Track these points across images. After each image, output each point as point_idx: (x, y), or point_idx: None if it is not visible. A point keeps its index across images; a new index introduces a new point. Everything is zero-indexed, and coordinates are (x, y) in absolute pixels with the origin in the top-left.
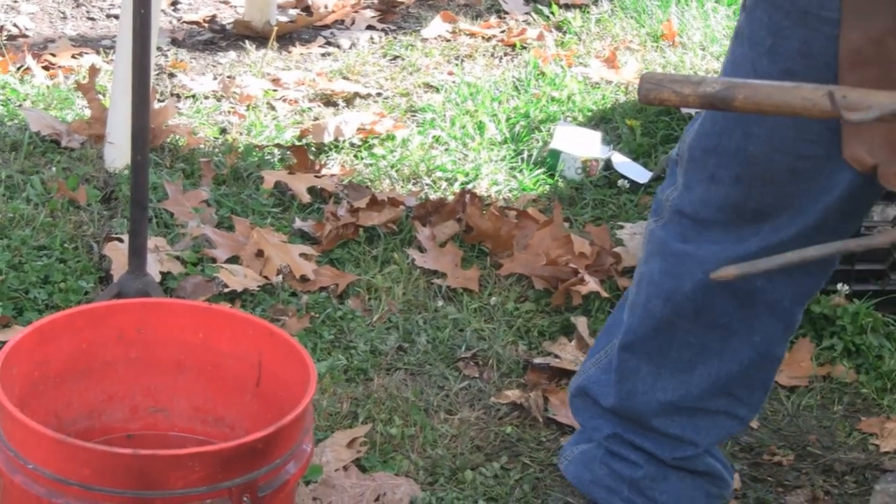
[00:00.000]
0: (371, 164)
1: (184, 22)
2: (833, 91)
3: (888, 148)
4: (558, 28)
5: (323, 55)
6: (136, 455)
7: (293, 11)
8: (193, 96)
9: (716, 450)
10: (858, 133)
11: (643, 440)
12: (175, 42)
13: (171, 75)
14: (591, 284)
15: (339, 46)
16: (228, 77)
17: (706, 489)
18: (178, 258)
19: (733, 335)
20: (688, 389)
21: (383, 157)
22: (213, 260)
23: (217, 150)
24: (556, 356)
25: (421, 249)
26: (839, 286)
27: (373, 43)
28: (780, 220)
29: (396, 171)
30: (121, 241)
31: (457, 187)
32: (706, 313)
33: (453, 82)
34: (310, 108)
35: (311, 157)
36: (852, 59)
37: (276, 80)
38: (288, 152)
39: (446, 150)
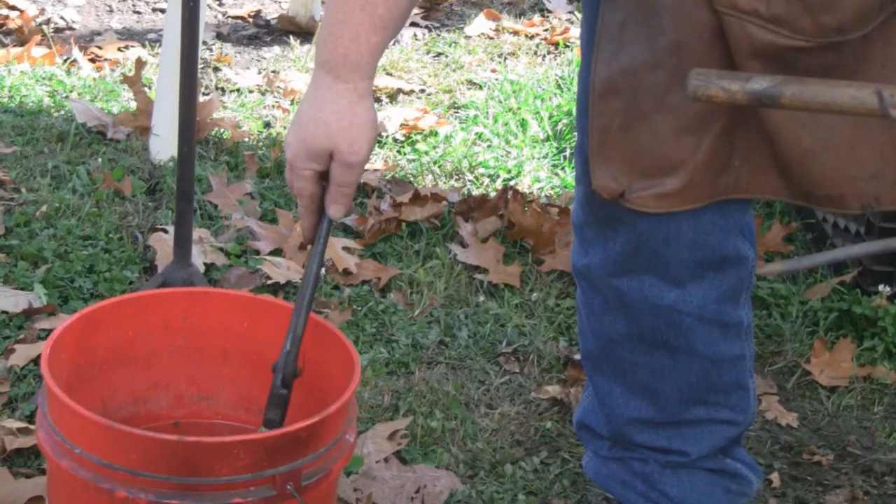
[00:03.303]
0: (414, 160)
1: (229, 16)
2: (881, 90)
3: (630, 172)
4: None
5: None
6: (181, 441)
7: None
8: (238, 90)
9: (736, 450)
10: (604, 162)
11: (633, 454)
12: (220, 36)
13: (216, 69)
14: None
15: None
16: (273, 72)
17: (724, 485)
18: (221, 250)
19: (677, 351)
20: (659, 406)
21: (426, 152)
22: (257, 252)
23: (261, 143)
24: None
25: (463, 245)
26: (881, 287)
27: (416, 40)
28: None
29: (439, 166)
30: (165, 232)
31: (499, 184)
32: (637, 333)
33: (496, 80)
34: None
35: None
36: (602, 89)
37: None
38: None
39: (489, 146)
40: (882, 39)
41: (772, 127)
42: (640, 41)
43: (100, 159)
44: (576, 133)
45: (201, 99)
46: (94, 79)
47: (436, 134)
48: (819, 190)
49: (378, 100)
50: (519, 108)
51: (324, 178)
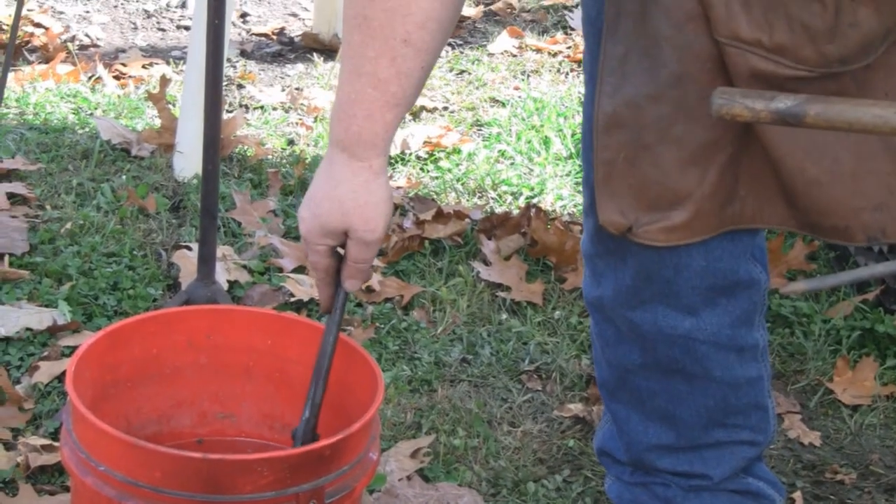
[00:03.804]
0: (437, 177)
1: (253, 34)
2: None
3: (637, 206)
4: None
5: None
6: (206, 459)
7: None
8: (262, 107)
9: (760, 468)
10: (610, 196)
11: (655, 478)
12: (244, 54)
13: (240, 86)
14: None
15: None
16: (296, 89)
17: None
18: (245, 267)
19: (693, 377)
20: (678, 432)
21: (449, 170)
22: (280, 269)
23: (284, 160)
24: None
25: (486, 262)
26: None
27: (439, 57)
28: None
29: (462, 184)
30: (189, 249)
31: (522, 201)
32: (653, 362)
33: (519, 97)
34: None
35: None
36: (606, 122)
37: None
38: None
39: (512, 164)
40: (884, 68)
41: (776, 156)
42: (642, 73)
43: (124, 176)
44: None
45: (225, 116)
46: (119, 96)
47: (459, 151)
48: (825, 221)
49: None
50: (542, 126)
51: (340, 247)
